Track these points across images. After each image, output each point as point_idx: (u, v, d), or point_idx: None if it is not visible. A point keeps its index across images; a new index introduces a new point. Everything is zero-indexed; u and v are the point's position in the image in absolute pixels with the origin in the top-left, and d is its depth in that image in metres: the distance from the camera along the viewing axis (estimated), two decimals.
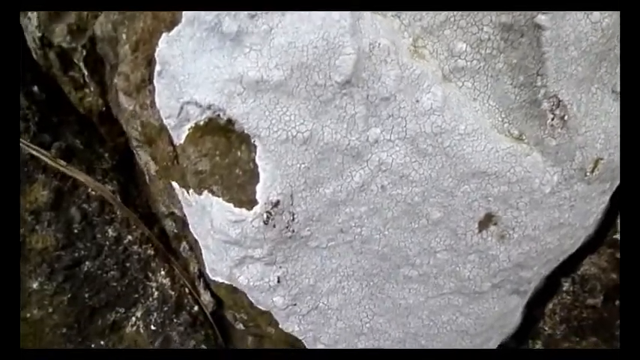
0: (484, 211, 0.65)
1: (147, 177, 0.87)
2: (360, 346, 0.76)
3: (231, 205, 0.61)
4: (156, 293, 0.89)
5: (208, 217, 0.64)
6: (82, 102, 0.79)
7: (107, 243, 0.87)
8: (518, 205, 0.64)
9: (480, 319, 0.75)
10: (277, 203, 0.60)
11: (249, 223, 0.61)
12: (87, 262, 0.85)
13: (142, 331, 0.89)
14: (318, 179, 0.59)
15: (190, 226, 0.79)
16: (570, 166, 0.63)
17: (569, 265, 0.82)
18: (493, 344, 0.85)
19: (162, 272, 0.90)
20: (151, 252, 0.89)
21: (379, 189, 0.62)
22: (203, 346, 0.89)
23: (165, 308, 0.88)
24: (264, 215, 0.60)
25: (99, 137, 0.88)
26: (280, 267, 0.66)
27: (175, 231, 0.89)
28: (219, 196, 0.61)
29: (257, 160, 0.58)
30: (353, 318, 0.74)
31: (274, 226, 0.61)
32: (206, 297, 0.89)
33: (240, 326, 0.91)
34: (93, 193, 0.84)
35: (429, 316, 0.74)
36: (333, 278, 0.70)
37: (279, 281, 0.67)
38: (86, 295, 0.86)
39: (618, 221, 0.76)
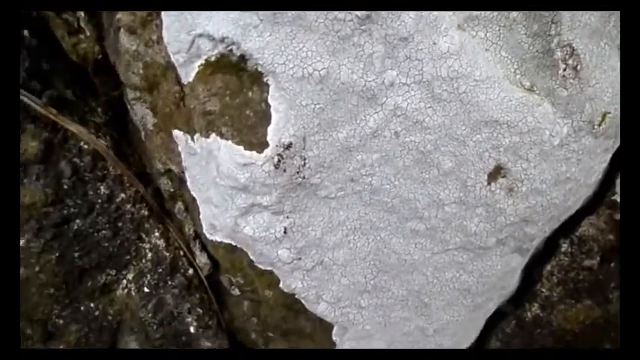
0: (494, 162, 0.65)
1: (142, 133, 0.84)
2: (363, 304, 0.75)
3: (241, 147, 0.58)
4: (149, 254, 0.85)
5: (215, 163, 0.61)
6: (76, 48, 0.75)
7: (99, 201, 0.83)
8: (528, 156, 0.64)
9: (483, 278, 0.76)
10: (289, 145, 0.58)
11: (260, 167, 0.59)
12: (77, 220, 0.81)
13: (133, 293, 0.85)
14: (332, 122, 0.58)
15: (189, 182, 0.76)
16: (580, 118, 0.63)
17: (569, 226, 0.84)
18: (493, 305, 0.86)
19: (157, 233, 0.86)
20: (144, 212, 0.86)
21: (392, 135, 0.61)
22: (199, 310, 0.86)
23: (160, 270, 0.85)
24: (276, 159, 0.58)
25: (92, 89, 0.83)
26: (287, 217, 0.65)
27: (171, 190, 0.85)
28: (228, 139, 0.59)
29: (270, 100, 0.56)
30: (357, 274, 0.72)
31: (285, 170, 0.59)
32: (202, 259, 0.86)
33: (236, 291, 0.89)
34: (85, 146, 0.80)
35: (434, 273, 0.73)
36: (340, 231, 0.68)
37: (285, 232, 0.66)
38: (75, 255, 0.82)
39: (617, 182, 0.78)
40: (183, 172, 0.79)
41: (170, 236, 0.87)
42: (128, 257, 0.85)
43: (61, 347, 0.83)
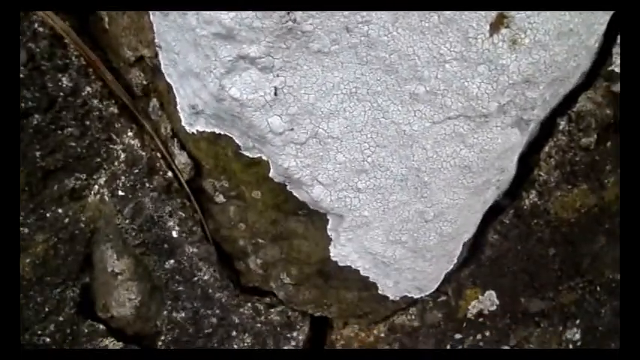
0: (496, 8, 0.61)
1: (106, 19, 0.75)
2: (360, 186, 0.70)
3: None
4: (122, 155, 0.78)
5: (194, 13, 0.54)
6: None
7: (61, 94, 0.74)
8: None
9: (483, 153, 0.72)
10: None
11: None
12: (36, 115, 0.73)
13: (107, 199, 0.78)
14: None
15: (164, 60, 0.69)
16: None
17: (566, 104, 0.81)
18: (491, 195, 0.83)
19: (130, 133, 0.78)
20: (114, 109, 0.77)
21: None
22: (181, 214, 0.79)
23: (136, 171, 0.78)
24: None
25: None
26: (278, 75, 0.59)
27: (144, 82, 0.77)
28: None
29: None
30: (354, 150, 0.67)
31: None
32: (181, 159, 0.79)
33: (221, 197, 0.82)
34: (41, 29, 0.71)
35: (433, 146, 0.69)
36: (335, 97, 0.63)
37: (276, 93, 0.60)
38: (37, 154, 0.73)
39: (614, 51, 0.75)
40: (156, 56, 0.72)
41: (145, 136, 0.80)
42: (99, 160, 0.77)
43: (28, 260, 0.74)
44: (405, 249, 0.78)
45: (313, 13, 0.55)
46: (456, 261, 0.88)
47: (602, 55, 0.78)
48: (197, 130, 0.73)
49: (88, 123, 0.76)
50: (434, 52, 0.62)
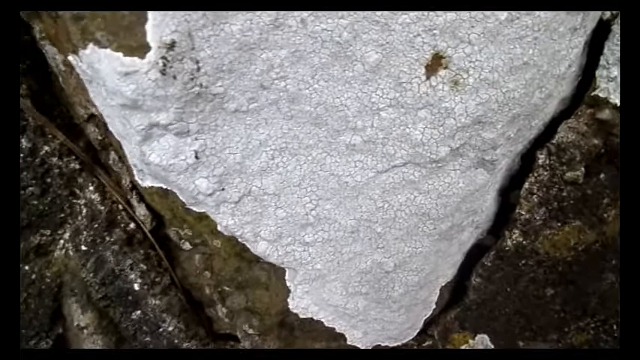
0: (430, 49, 0.54)
1: (60, 78, 0.77)
2: (308, 240, 0.67)
3: (120, 54, 0.50)
4: (84, 210, 0.79)
5: (101, 80, 0.53)
6: None
7: (20, 155, 0.76)
8: (470, 37, 0.53)
9: (443, 199, 0.66)
10: (173, 45, 0.49)
11: (144, 76, 0.50)
12: None
13: (71, 253, 0.79)
14: (220, 12, 0.49)
15: (105, 119, 0.69)
16: None
17: (546, 136, 0.72)
18: (469, 236, 0.75)
19: (91, 187, 0.79)
20: (75, 165, 0.79)
21: (298, 24, 0.51)
22: (142, 266, 0.79)
23: (95, 225, 0.78)
24: (160, 63, 0.50)
25: None
26: (196, 138, 0.56)
27: (99, 137, 0.78)
28: (105, 47, 0.51)
29: None
30: (294, 205, 0.64)
31: (175, 77, 0.51)
32: (141, 210, 0.79)
33: (187, 245, 0.82)
34: None
35: (382, 196, 0.64)
36: (264, 154, 0.60)
37: (197, 157, 0.57)
38: None
39: (599, 73, 0.66)
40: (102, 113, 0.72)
41: (107, 189, 0.81)
42: (63, 215, 0.79)
43: None
44: (368, 300, 0.73)
45: (221, 74, 0.52)
46: (434, 306, 0.81)
47: (586, 79, 0.68)
48: (148, 185, 0.73)
49: (49, 180, 0.78)
50: (364, 101, 0.56)
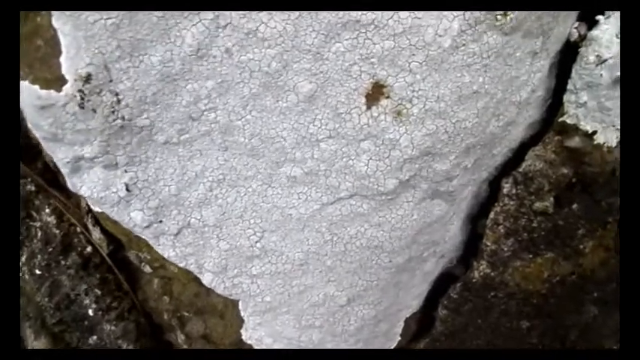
0: (369, 78, 0.50)
1: None
2: (255, 272, 0.64)
3: (37, 86, 0.48)
4: (39, 233, 0.77)
5: (23, 112, 0.51)
6: None
7: None
8: (411, 66, 0.49)
9: (397, 231, 0.62)
10: (89, 77, 0.47)
11: (62, 109, 0.48)
12: None
13: (27, 277, 0.78)
14: (137, 43, 0.46)
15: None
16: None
17: (515, 162, 0.68)
18: (433, 266, 0.71)
19: (47, 210, 0.78)
20: (31, 187, 0.78)
21: (223, 54, 0.48)
22: (97, 291, 0.77)
23: (50, 249, 0.77)
24: (78, 96, 0.47)
25: None
26: (126, 171, 0.54)
27: (54, 161, 0.77)
28: (24, 79, 0.49)
29: (54, 22, 0.45)
30: (238, 236, 0.61)
31: (94, 110, 0.48)
32: (96, 234, 0.77)
33: (147, 268, 0.79)
34: None
35: (330, 228, 0.60)
36: (201, 185, 0.57)
37: (128, 190, 0.55)
38: None
39: (565, 98, 0.60)
40: None
41: (64, 212, 0.79)
42: (20, 238, 0.78)
43: None
44: (323, 333, 0.69)
45: (145, 107, 0.50)
46: (399, 338, 0.77)
47: (552, 103, 0.63)
48: (98, 210, 0.71)
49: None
50: (301, 132, 0.53)
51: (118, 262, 0.81)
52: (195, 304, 0.79)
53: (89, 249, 0.78)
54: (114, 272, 0.80)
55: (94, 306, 0.77)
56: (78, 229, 0.79)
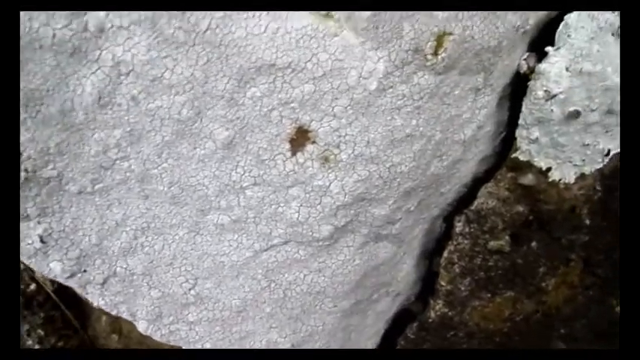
0: (291, 123, 0.47)
1: None
2: (192, 319, 0.60)
3: None
4: None
5: None
6: None
7: None
8: (335, 110, 0.46)
9: (339, 277, 0.58)
10: None
11: None
12: None
13: None
14: (32, 91, 0.43)
15: None
16: (400, 46, 0.44)
17: (468, 199, 0.64)
18: (387, 305, 0.67)
19: None
20: None
21: (129, 102, 0.44)
22: (40, 332, 0.74)
23: None
24: None
25: None
26: (39, 222, 0.51)
27: None
28: None
29: None
30: (170, 284, 0.57)
31: None
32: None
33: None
34: None
35: (267, 275, 0.57)
36: (124, 234, 0.53)
37: (43, 241, 0.52)
38: None
39: (517, 133, 0.56)
40: None
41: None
42: None
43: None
44: None
45: (49, 157, 0.46)
46: None
47: (504, 138, 0.59)
48: None
49: None
50: (223, 179, 0.49)
51: (67, 298, 0.79)
52: (145, 343, 0.76)
53: (33, 286, 0.75)
54: (61, 309, 0.77)
55: (37, 347, 0.74)
56: (22, 266, 0.76)
